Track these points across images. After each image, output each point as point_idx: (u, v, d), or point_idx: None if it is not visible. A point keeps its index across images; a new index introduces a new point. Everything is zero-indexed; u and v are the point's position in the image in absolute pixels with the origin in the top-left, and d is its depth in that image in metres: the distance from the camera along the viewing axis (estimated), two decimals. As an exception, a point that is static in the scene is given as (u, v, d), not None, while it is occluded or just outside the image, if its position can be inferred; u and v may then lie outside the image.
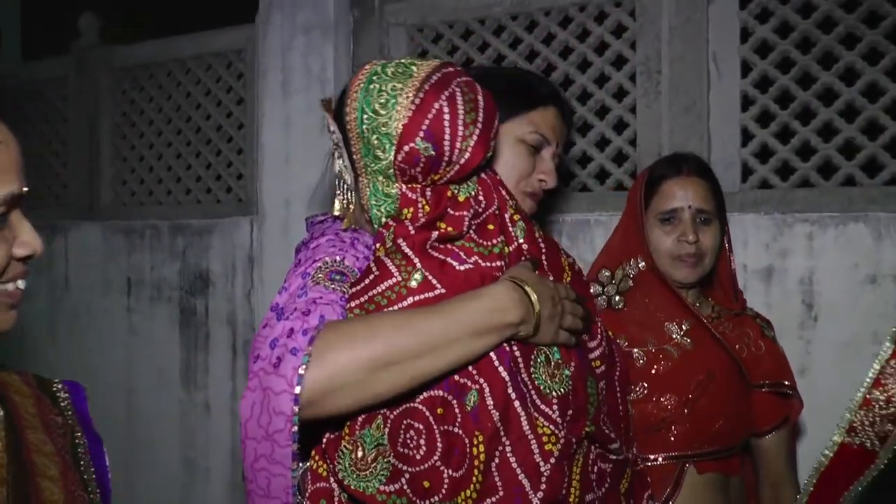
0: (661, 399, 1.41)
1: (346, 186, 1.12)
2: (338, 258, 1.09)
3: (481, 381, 1.00)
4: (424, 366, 0.95)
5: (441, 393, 0.99)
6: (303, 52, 2.67)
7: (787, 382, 1.51)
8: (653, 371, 1.43)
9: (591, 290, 1.55)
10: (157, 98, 3.21)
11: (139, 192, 3.28)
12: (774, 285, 2.04)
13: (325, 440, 1.01)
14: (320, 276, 1.05)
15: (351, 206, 1.12)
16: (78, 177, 3.39)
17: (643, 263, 1.50)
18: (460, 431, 0.98)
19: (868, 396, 1.00)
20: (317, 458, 1.04)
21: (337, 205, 1.15)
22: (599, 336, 1.19)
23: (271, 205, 2.77)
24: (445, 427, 0.98)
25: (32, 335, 3.45)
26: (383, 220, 1.08)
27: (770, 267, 2.06)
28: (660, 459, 1.41)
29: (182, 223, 3.07)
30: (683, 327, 1.47)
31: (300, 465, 0.95)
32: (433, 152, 1.02)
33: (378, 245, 1.07)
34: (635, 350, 1.45)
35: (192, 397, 3.04)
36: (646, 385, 1.42)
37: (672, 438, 1.41)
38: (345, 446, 0.98)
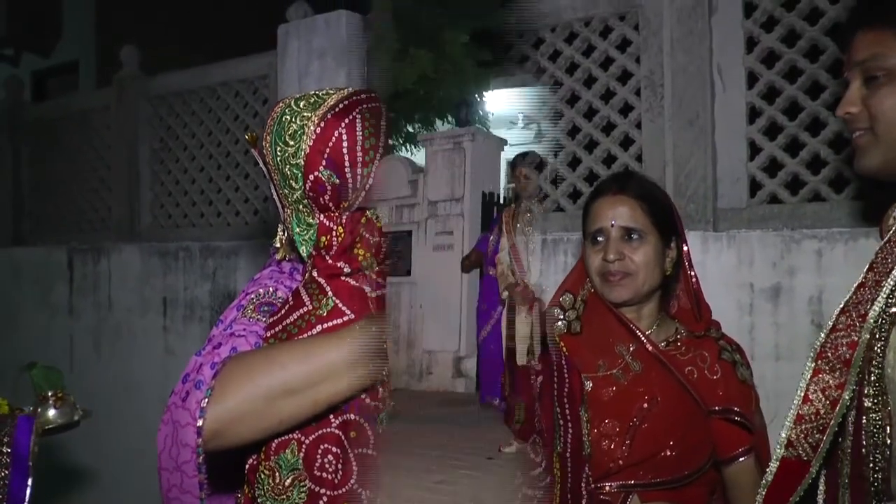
0: (603, 426, 1.36)
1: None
2: (271, 289, 1.12)
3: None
4: (325, 391, 0.96)
5: (353, 416, 1.01)
6: (317, 76, 2.73)
7: (736, 409, 1.40)
8: (598, 398, 1.39)
9: (552, 314, 1.50)
10: (190, 124, 3.34)
11: (175, 215, 3.42)
12: (782, 304, 1.95)
13: (248, 465, 1.03)
14: (250, 308, 1.09)
15: (283, 238, 1.14)
16: (120, 201, 3.55)
17: (590, 285, 1.46)
18: (373, 452, 1.01)
19: (799, 413, 0.99)
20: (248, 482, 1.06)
21: (277, 236, 1.17)
22: None
23: (292, 226, 2.82)
24: (360, 450, 1.00)
25: (81, 351, 3.62)
26: (308, 249, 1.10)
27: (778, 285, 1.96)
28: (605, 487, 1.36)
29: (212, 245, 3.18)
30: (631, 348, 1.41)
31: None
32: (337, 180, 1.02)
33: (304, 276, 1.09)
34: (584, 376, 1.40)
35: (223, 413, 3.12)
36: (588, 412, 1.37)
37: (612, 466, 1.35)
38: (262, 471, 1.00)
